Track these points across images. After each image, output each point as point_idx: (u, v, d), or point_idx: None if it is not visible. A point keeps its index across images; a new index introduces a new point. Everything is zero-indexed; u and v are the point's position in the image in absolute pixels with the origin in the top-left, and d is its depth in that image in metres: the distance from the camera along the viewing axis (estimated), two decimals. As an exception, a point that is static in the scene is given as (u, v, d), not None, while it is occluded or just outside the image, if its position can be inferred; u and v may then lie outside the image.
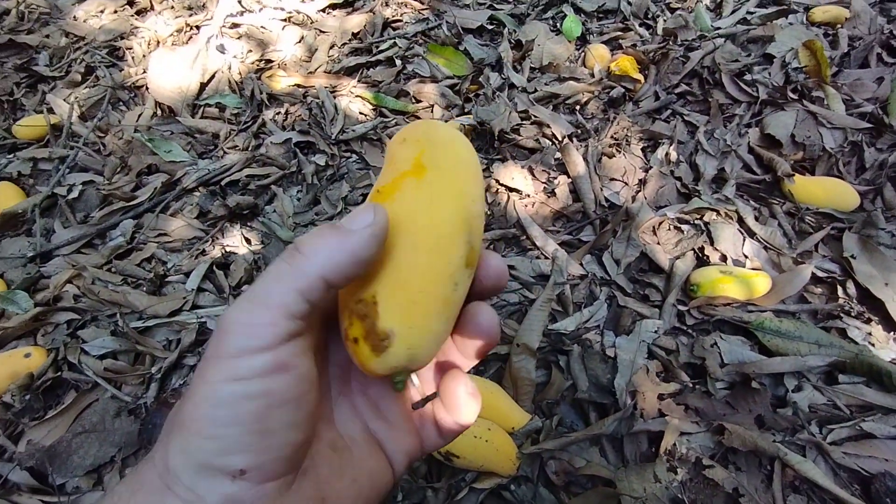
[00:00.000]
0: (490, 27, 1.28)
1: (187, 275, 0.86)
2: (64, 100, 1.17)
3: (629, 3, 1.29)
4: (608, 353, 0.76)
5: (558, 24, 1.27)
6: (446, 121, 1.05)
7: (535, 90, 1.10)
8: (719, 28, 1.17)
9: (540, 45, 1.21)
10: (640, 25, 1.24)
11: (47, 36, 1.33)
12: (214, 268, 0.86)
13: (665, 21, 1.22)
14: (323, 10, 1.37)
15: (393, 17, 1.33)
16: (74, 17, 1.38)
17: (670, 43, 1.15)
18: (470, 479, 0.67)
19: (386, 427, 0.31)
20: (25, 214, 0.95)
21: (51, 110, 1.15)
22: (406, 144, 0.29)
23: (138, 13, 1.38)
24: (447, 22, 1.28)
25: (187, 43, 1.26)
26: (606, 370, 0.74)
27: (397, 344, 0.25)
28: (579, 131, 1.02)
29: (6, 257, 0.90)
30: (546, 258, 0.85)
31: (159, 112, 1.14)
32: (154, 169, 1.02)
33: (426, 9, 1.35)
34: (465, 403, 0.30)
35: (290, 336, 0.23)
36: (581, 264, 0.85)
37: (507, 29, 1.26)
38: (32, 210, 0.95)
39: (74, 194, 0.98)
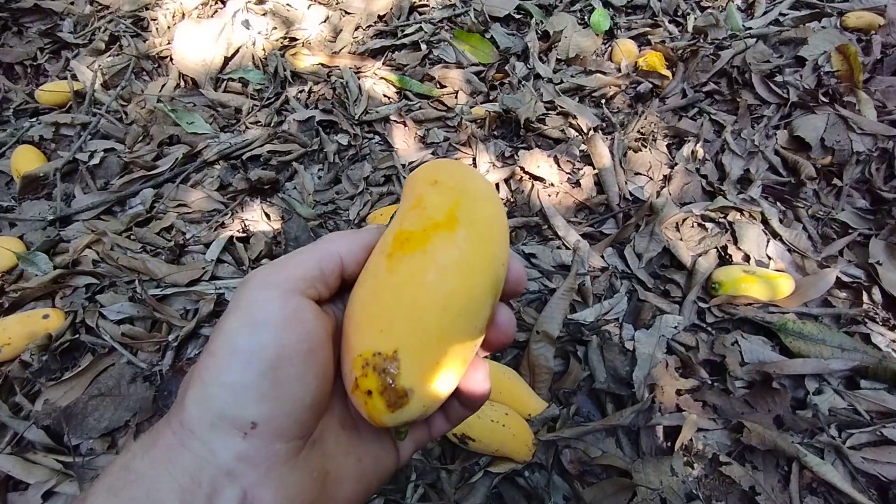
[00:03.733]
0: (517, 17, 1.27)
1: (207, 246, 0.85)
2: (87, 67, 1.16)
3: (659, 0, 1.28)
4: (627, 346, 0.75)
5: (586, 18, 1.26)
6: (472, 107, 1.05)
7: (562, 81, 1.09)
8: (750, 28, 1.16)
9: (567, 37, 1.20)
10: (670, 22, 1.23)
11: (72, 3, 1.32)
12: (234, 240, 0.86)
13: (695, 19, 1.20)
14: (350, -8, 1.36)
15: (419, 1, 1.32)
16: (99, -16, 1.37)
17: (700, 41, 1.14)
18: (484, 462, 0.66)
19: (367, 443, 0.31)
20: (47, 178, 0.95)
21: (74, 77, 1.14)
22: (439, 189, 0.29)
23: (165, -15, 1.37)
24: (474, 9, 1.26)
25: (213, 16, 1.25)
26: (625, 362, 0.74)
27: (414, 401, 0.25)
28: (605, 124, 1.01)
29: (26, 219, 0.89)
30: (567, 248, 0.85)
31: (182, 84, 1.13)
32: (176, 140, 1.02)
33: (452, -6, 1.34)
34: (479, 387, 0.29)
35: (303, 294, 0.24)
36: (602, 256, 0.84)
37: (534, 19, 1.25)
38: (54, 174, 0.95)
39: (95, 161, 0.98)
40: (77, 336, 0.74)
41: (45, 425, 0.65)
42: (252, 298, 0.24)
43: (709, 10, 1.23)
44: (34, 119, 1.08)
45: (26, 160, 0.97)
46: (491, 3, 1.29)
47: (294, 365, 0.23)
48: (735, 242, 0.84)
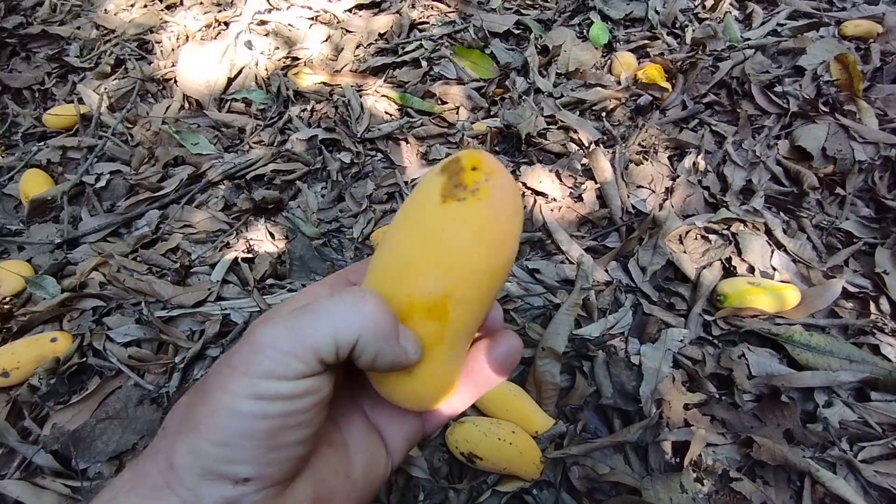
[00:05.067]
0: (517, 32, 1.28)
1: (212, 266, 0.86)
2: (93, 90, 1.18)
3: (657, 12, 1.29)
4: (633, 361, 0.75)
5: (585, 31, 1.27)
6: (473, 123, 1.05)
7: (562, 95, 1.10)
8: (749, 39, 1.16)
9: (566, 51, 1.21)
10: (668, 34, 1.24)
11: (78, 28, 1.35)
12: (239, 261, 0.86)
13: (693, 31, 1.21)
14: (349, 10, 1.37)
15: (419, 18, 1.34)
16: (105, 10, 1.40)
17: (699, 53, 1.14)
18: (492, 481, 0.66)
19: (386, 413, 0.31)
20: (54, 201, 0.96)
21: (80, 100, 1.16)
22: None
23: (168, 8, 1.39)
24: (474, 25, 1.28)
25: (216, 38, 1.27)
26: (631, 377, 0.73)
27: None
28: (605, 138, 1.02)
29: (34, 243, 0.90)
30: (571, 263, 0.85)
31: (187, 105, 1.15)
32: (180, 161, 1.03)
33: (452, 11, 1.35)
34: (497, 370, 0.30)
35: (317, 373, 0.23)
36: (606, 270, 0.84)
37: (533, 34, 1.26)
38: (61, 197, 0.96)
39: (102, 183, 0.99)
40: (84, 359, 0.75)
41: (53, 450, 0.66)
42: (260, 364, 0.22)
43: (707, 22, 1.24)
44: (42, 143, 1.09)
45: (34, 184, 0.98)
46: (490, 19, 1.30)
47: (297, 430, 0.23)
48: (739, 254, 0.83)
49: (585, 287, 0.81)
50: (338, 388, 0.29)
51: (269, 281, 0.85)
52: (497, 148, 1.02)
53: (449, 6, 1.36)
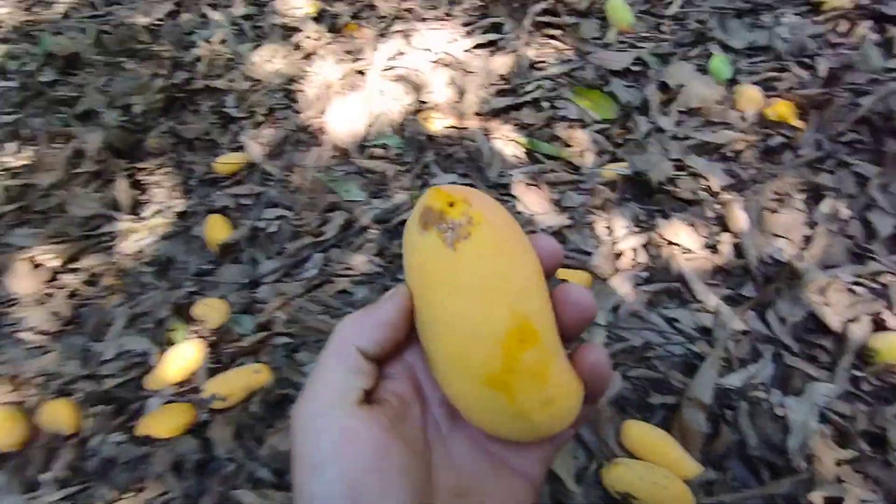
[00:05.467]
0: (635, 69, 1.31)
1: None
2: (252, 139, 1.36)
3: (783, 40, 1.27)
4: (777, 413, 0.78)
5: (705, 64, 1.28)
6: (601, 167, 1.11)
7: (686, 137, 1.13)
8: (893, 70, 1.12)
9: (687, 86, 1.22)
10: (798, 65, 1.22)
11: (232, 80, 1.54)
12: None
13: (827, 60, 1.19)
14: (468, 51, 1.47)
15: (536, 57, 1.40)
16: (252, 62, 1.58)
17: (834, 85, 1.12)
18: (648, 522, 0.73)
19: (508, 443, 0.29)
20: (238, 244, 1.14)
21: (243, 149, 1.34)
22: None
23: (306, 57, 1.55)
24: (592, 64, 1.32)
25: (354, 88, 1.41)
26: (777, 429, 0.77)
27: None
28: (735, 181, 1.04)
29: (227, 282, 1.08)
30: (708, 312, 0.89)
31: (335, 153, 1.29)
32: (336, 206, 1.17)
33: (568, 49, 1.40)
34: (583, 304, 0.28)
35: (348, 407, 0.24)
36: (744, 320, 0.88)
37: (651, 70, 1.29)
38: (241, 241, 1.13)
39: (273, 228, 1.15)
40: (284, 391, 0.90)
41: (274, 467, 0.80)
42: (304, 439, 0.24)
43: (841, 50, 1.21)
44: (216, 188, 1.28)
45: (219, 228, 1.16)
46: (606, 57, 1.34)
47: (374, 484, 0.23)
48: (890, 308, 0.84)
49: (723, 337, 0.85)
50: (451, 437, 0.29)
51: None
52: (627, 195, 1.07)
53: (564, 43, 1.42)
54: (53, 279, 1.14)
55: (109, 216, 1.24)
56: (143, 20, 1.79)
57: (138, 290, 1.10)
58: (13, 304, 1.11)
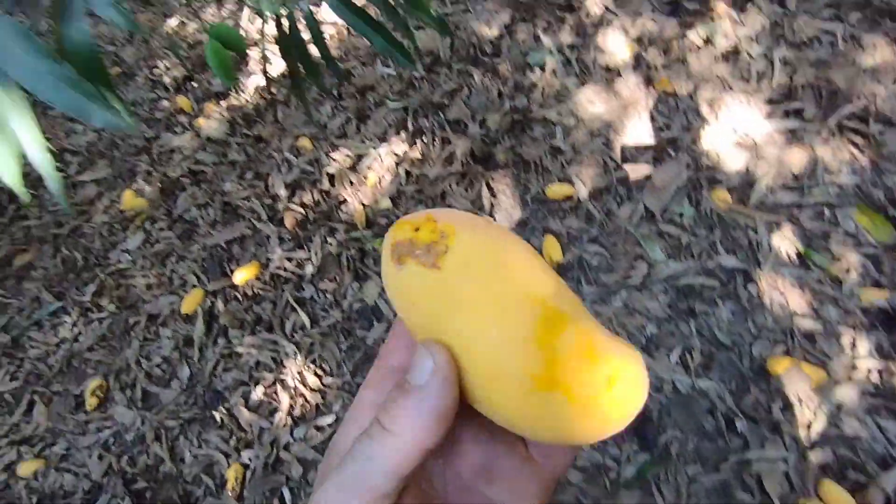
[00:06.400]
0: (924, 199, 1.54)
1: (663, 346, 1.53)
2: (576, 176, 1.86)
3: None
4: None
5: None
6: (860, 288, 1.45)
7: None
8: None
9: (970, 231, 1.45)
10: None
11: (561, 114, 2.02)
12: (679, 347, 1.51)
13: None
14: (766, 133, 1.76)
15: (832, 159, 1.66)
16: (577, 99, 2.03)
17: None
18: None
19: (505, 485, 0.28)
20: (566, 266, 1.72)
21: (571, 182, 1.86)
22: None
23: (623, 108, 1.96)
24: (884, 184, 1.57)
25: (663, 148, 1.81)
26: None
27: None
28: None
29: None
30: (912, 430, 1.29)
31: (642, 213, 1.76)
32: (640, 257, 1.67)
33: (865, 160, 1.64)
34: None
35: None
36: (938, 445, 1.26)
37: (941, 205, 1.51)
38: (571, 264, 1.71)
39: (594, 262, 1.70)
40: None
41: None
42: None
43: None
44: (546, 209, 1.84)
45: (553, 249, 1.74)
46: (901, 182, 1.57)
47: None
48: None
49: (918, 452, 1.26)
50: (448, 489, 0.28)
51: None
52: (877, 323, 1.42)
53: (863, 153, 1.64)
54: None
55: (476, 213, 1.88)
56: (486, 31, 2.29)
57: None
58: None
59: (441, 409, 0.23)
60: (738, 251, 1.61)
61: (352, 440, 0.24)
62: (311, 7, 0.96)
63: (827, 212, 1.58)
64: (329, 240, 1.87)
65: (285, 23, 0.94)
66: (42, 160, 0.71)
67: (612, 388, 0.23)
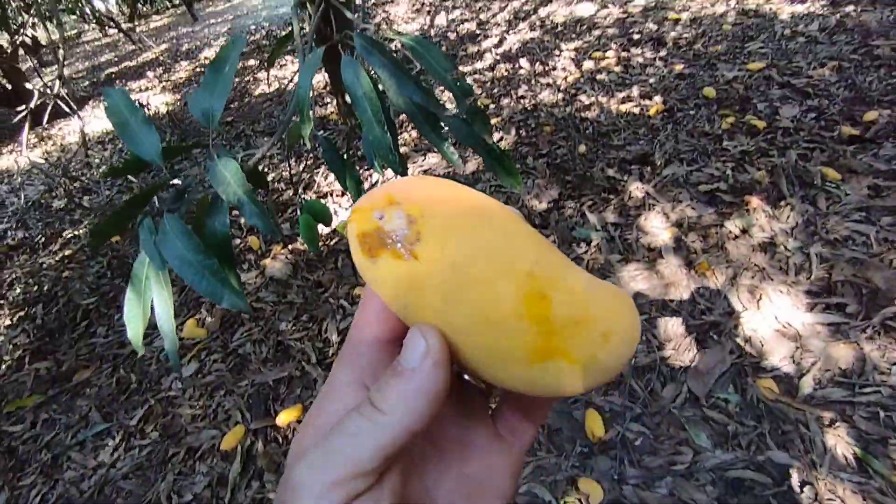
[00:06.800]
0: None
1: None
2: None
3: None
4: None
5: None
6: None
7: None
8: None
9: None
10: None
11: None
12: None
13: None
14: (809, 325, 1.78)
15: (881, 359, 1.66)
16: (620, 275, 2.15)
17: None
18: None
19: (482, 462, 0.29)
20: (610, 442, 1.68)
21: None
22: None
23: (665, 287, 2.05)
24: (939, 392, 1.54)
25: (704, 333, 1.85)
26: None
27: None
28: None
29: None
30: None
31: (688, 395, 1.76)
32: (685, 442, 1.63)
33: (915, 363, 1.63)
34: None
35: (367, 489, 0.22)
36: None
37: None
38: (614, 442, 1.67)
39: (637, 442, 1.67)
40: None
41: None
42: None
43: None
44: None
45: (595, 424, 1.72)
46: (958, 391, 1.53)
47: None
48: None
49: None
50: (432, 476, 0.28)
51: None
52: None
53: (912, 356, 1.64)
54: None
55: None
56: (536, 204, 2.51)
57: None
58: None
59: (432, 392, 0.23)
60: (789, 447, 1.55)
61: (326, 416, 0.25)
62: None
63: (882, 413, 1.54)
64: (372, 388, 1.92)
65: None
66: (167, 328, 0.83)
67: (608, 342, 0.24)
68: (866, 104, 2.61)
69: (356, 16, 1.03)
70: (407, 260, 0.24)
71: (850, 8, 3.44)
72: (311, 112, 0.92)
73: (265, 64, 3.16)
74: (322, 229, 2.67)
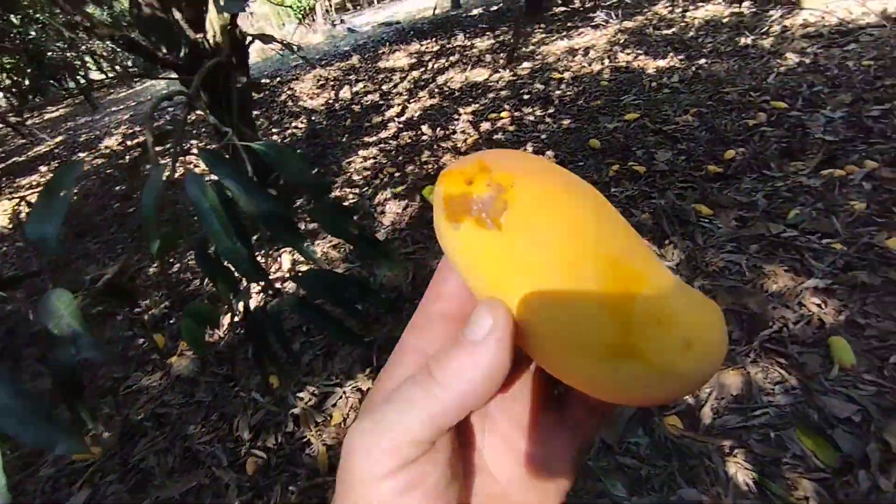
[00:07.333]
0: (856, 419, 1.62)
1: None
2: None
3: None
4: None
5: (926, 430, 1.54)
6: (826, 526, 1.43)
7: (908, 510, 1.40)
8: None
9: (908, 451, 1.50)
10: None
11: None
12: None
13: None
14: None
15: (765, 381, 1.78)
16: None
17: None
18: None
19: (541, 442, 0.29)
20: None
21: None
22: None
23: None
24: (816, 404, 1.67)
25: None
26: None
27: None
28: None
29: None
30: None
31: (601, 444, 1.79)
32: (604, 494, 1.65)
33: (794, 380, 1.76)
34: None
35: (418, 457, 0.22)
36: None
37: (873, 425, 1.58)
38: None
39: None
40: None
41: None
42: (360, 475, 0.22)
43: None
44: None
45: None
46: (829, 403, 1.67)
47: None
48: None
49: None
50: (487, 441, 0.28)
51: None
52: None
53: (789, 373, 1.78)
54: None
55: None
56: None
57: None
58: None
59: (492, 369, 0.22)
60: (697, 482, 1.60)
61: (393, 381, 0.25)
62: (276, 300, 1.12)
63: (772, 434, 1.64)
64: (290, 487, 1.81)
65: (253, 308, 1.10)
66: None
67: (690, 350, 0.22)
68: (724, 144, 2.92)
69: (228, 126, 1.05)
70: (489, 229, 0.23)
71: (703, 61, 3.91)
72: (157, 229, 0.90)
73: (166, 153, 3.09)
74: (239, 297, 2.57)
